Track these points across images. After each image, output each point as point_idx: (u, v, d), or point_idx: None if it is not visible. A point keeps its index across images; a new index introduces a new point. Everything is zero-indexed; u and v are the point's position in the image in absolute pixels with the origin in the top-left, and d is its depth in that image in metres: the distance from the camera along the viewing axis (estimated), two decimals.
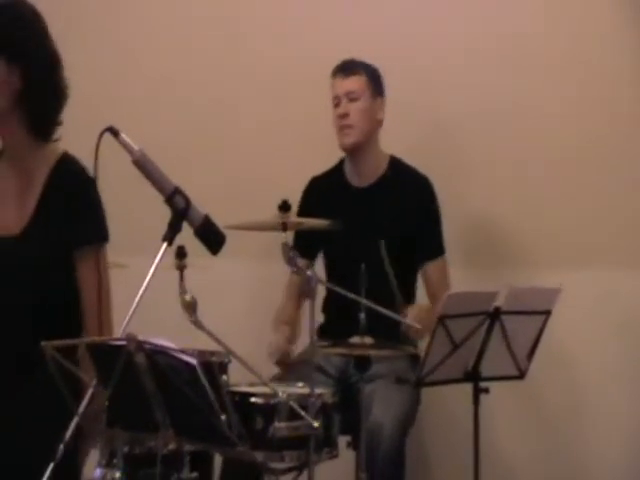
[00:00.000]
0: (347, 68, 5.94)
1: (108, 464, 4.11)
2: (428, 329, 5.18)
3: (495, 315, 4.96)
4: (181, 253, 3.87)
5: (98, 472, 4.03)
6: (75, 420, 3.34)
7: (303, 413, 4.60)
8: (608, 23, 6.31)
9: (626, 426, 6.21)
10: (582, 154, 6.37)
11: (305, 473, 4.78)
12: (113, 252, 4.14)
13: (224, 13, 6.81)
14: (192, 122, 6.46)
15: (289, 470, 5.02)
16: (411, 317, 5.38)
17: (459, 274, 6.00)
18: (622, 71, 6.31)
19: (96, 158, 3.58)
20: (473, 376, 5.09)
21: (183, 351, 3.40)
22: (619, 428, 6.19)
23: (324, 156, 6.19)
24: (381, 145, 6.06)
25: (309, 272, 5.02)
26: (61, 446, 3.22)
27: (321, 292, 5.55)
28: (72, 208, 4.02)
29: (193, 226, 3.76)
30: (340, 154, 5.96)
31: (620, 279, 6.17)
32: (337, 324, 5.48)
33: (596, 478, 6.21)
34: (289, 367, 5.61)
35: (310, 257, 5.70)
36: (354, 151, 5.92)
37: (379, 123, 5.95)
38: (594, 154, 6.36)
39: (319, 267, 5.91)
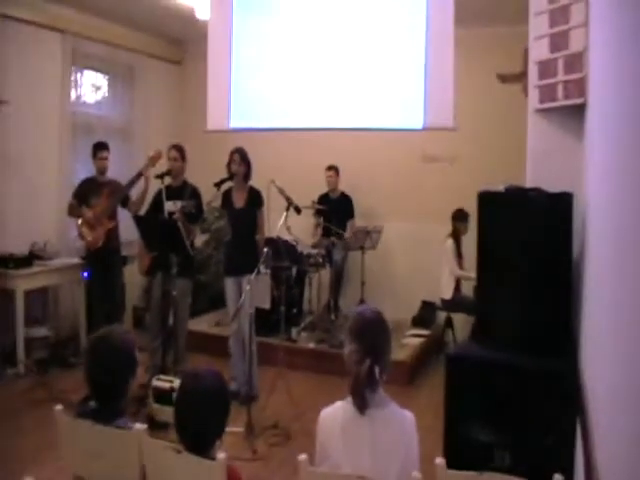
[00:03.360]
0: (330, 167, 7.33)
1: (265, 267, 5.20)
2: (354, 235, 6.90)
3: (368, 232, 6.77)
4: (287, 216, 5.39)
5: (263, 269, 5.06)
6: (261, 261, 4.89)
7: (313, 253, 6.48)
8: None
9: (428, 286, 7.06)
10: (406, 179, 7.45)
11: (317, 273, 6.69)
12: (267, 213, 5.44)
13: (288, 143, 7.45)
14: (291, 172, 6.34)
15: (314, 269, 6.64)
16: (349, 226, 7.10)
17: (358, 222, 7.22)
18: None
19: (268, 195, 5.33)
20: (362, 247, 6.79)
21: (290, 241, 5.73)
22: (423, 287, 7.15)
23: (321, 188, 7.27)
24: (340, 186, 7.33)
25: (320, 221, 6.84)
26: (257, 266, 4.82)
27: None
28: (255, 199, 5.34)
29: (293, 206, 5.37)
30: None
31: (421, 226, 7.32)
32: (326, 234, 6.90)
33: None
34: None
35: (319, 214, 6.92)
36: (331, 190, 7.31)
37: (338, 182, 7.30)
38: (410, 178, 7.43)
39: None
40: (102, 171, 6.06)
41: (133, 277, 6.74)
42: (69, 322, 6.64)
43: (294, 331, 6.47)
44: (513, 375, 2.94)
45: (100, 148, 6.05)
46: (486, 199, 3.20)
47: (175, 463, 2.13)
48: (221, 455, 2.06)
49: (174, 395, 4.33)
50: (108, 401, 2.33)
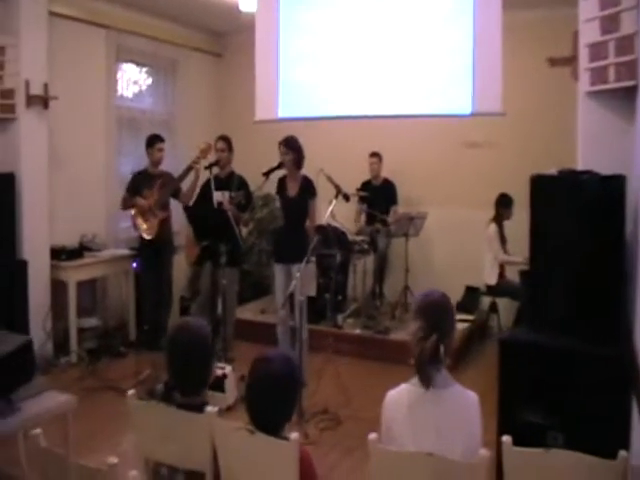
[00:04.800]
0: (373, 154, 7.25)
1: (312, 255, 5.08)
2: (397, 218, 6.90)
3: (411, 218, 6.71)
4: (335, 204, 4.99)
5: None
6: (310, 249, 4.79)
7: (359, 240, 6.63)
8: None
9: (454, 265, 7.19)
10: (447, 165, 7.33)
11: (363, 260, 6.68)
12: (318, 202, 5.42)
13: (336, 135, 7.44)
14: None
15: (360, 256, 6.73)
16: (392, 212, 7.02)
17: (401, 209, 7.12)
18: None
19: (316, 184, 5.28)
20: (406, 234, 6.73)
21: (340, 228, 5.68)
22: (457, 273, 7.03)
23: (364, 175, 7.24)
24: (382, 173, 7.25)
25: (364, 208, 6.86)
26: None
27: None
28: (308, 188, 5.32)
29: (342, 194, 5.14)
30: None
31: (463, 212, 7.22)
32: (370, 221, 7.01)
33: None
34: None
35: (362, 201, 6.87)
36: (374, 177, 7.25)
37: (381, 169, 7.21)
38: (451, 164, 7.32)
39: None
40: (157, 163, 6.17)
41: (179, 267, 6.83)
42: (118, 312, 6.77)
43: (340, 317, 6.51)
44: (566, 358, 2.98)
45: (158, 140, 6.16)
46: (539, 183, 3.22)
47: (247, 444, 2.17)
48: (294, 435, 2.11)
49: (226, 382, 4.72)
50: (191, 392, 2.35)
